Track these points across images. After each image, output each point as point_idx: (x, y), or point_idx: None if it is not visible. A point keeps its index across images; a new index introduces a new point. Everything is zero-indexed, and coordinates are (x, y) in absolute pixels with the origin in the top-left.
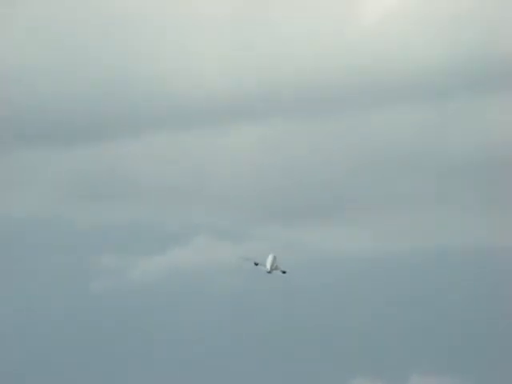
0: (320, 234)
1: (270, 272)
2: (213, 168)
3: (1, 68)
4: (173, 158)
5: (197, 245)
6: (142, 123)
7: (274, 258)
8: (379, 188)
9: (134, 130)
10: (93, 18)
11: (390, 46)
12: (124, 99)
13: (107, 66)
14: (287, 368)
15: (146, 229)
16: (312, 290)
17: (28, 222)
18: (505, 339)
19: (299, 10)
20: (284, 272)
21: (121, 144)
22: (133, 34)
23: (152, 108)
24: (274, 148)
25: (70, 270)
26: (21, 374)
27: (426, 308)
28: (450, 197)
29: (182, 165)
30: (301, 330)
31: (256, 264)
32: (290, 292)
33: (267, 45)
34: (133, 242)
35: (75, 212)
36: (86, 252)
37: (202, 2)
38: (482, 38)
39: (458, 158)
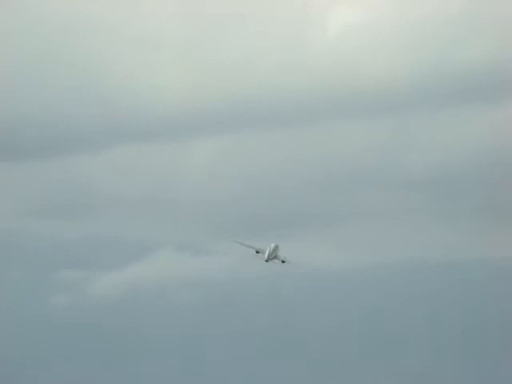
0: (284, 247)
1: (267, 260)
2: (174, 182)
3: None
4: (134, 172)
5: (158, 259)
6: (102, 138)
7: (276, 248)
8: (342, 202)
9: (93, 145)
10: (55, 34)
11: (351, 61)
12: (85, 114)
13: (68, 82)
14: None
15: (106, 243)
16: (276, 301)
17: None
18: (468, 349)
19: (261, 27)
20: (283, 261)
21: (81, 159)
22: (94, 51)
23: (113, 123)
24: (236, 162)
25: (30, 285)
26: None
27: (390, 320)
28: (412, 211)
29: (143, 179)
30: (262, 344)
31: (257, 252)
32: (253, 304)
33: (229, 60)
34: (93, 257)
35: (35, 227)
36: (46, 267)
37: (164, 20)
38: (442, 54)
39: (421, 173)
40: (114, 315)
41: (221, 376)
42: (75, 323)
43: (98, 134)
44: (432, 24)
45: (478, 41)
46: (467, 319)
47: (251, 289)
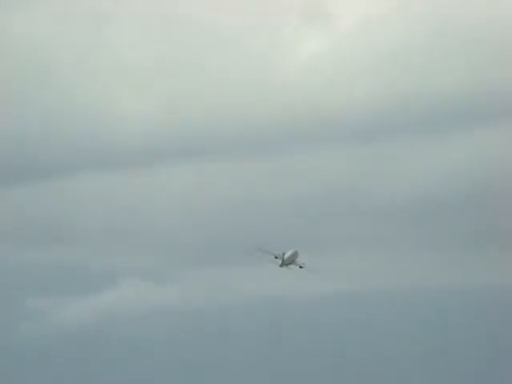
0: (245, 275)
1: (281, 266)
2: (141, 210)
3: None
4: (102, 201)
5: (123, 287)
6: (70, 166)
7: (294, 253)
8: (318, 230)
9: (62, 173)
10: (28, 62)
11: (321, 89)
12: (54, 142)
13: (44, 108)
14: None
15: (71, 270)
16: (235, 331)
17: None
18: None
19: (229, 55)
20: (301, 267)
21: (49, 186)
22: (69, 79)
23: (81, 151)
24: (203, 190)
25: None
26: None
27: (368, 347)
28: (390, 238)
29: (108, 206)
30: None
31: (276, 257)
32: (217, 334)
33: (197, 89)
34: (60, 285)
35: (3, 254)
36: (13, 294)
37: (129, 48)
38: (415, 81)
39: (394, 200)
40: (81, 343)
41: None
42: (42, 351)
43: (66, 163)
44: (403, 52)
45: (451, 68)
46: (448, 344)
47: (228, 315)
